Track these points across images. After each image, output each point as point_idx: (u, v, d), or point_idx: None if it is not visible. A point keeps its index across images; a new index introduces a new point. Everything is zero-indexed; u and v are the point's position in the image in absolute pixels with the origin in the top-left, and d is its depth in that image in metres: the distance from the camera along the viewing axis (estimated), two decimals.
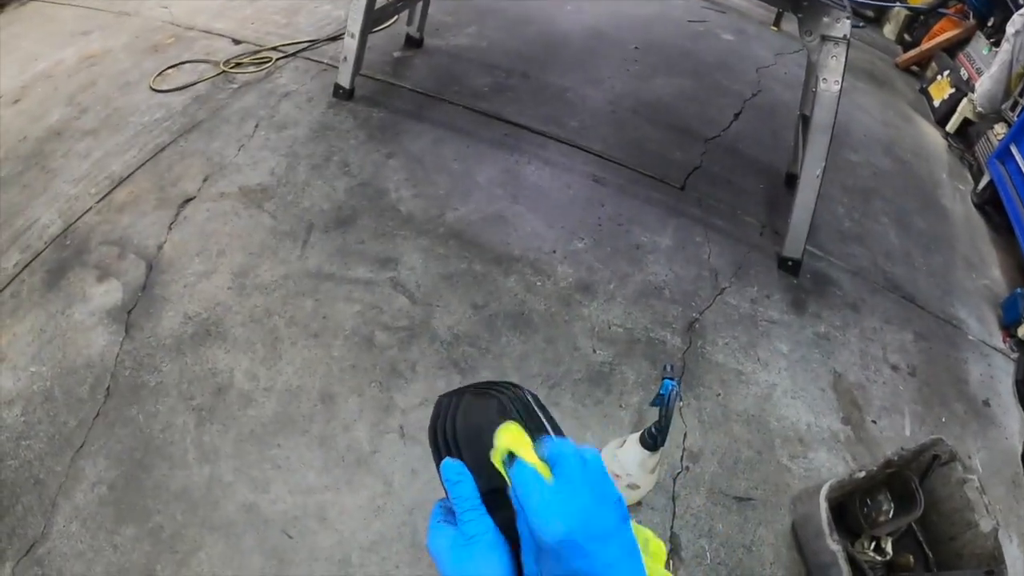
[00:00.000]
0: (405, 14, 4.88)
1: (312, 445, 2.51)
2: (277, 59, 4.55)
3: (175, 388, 2.60)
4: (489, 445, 0.74)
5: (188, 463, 2.40)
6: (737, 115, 5.07)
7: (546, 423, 0.78)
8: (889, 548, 2.52)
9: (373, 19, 4.15)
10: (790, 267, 3.74)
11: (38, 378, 2.62)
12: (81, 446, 2.41)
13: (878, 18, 8.20)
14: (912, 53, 7.16)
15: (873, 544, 2.53)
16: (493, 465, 0.73)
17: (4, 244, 3.13)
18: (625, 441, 2.45)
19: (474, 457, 0.76)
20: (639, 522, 2.47)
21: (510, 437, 0.73)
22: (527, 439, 0.73)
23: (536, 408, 0.80)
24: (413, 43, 4.95)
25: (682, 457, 2.75)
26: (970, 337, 3.75)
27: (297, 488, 2.39)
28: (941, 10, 6.93)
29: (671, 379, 2.26)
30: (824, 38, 3.28)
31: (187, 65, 4.41)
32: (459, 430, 0.80)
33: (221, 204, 3.39)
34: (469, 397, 0.82)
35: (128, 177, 3.50)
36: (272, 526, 2.29)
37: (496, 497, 0.72)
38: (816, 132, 3.45)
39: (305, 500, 2.37)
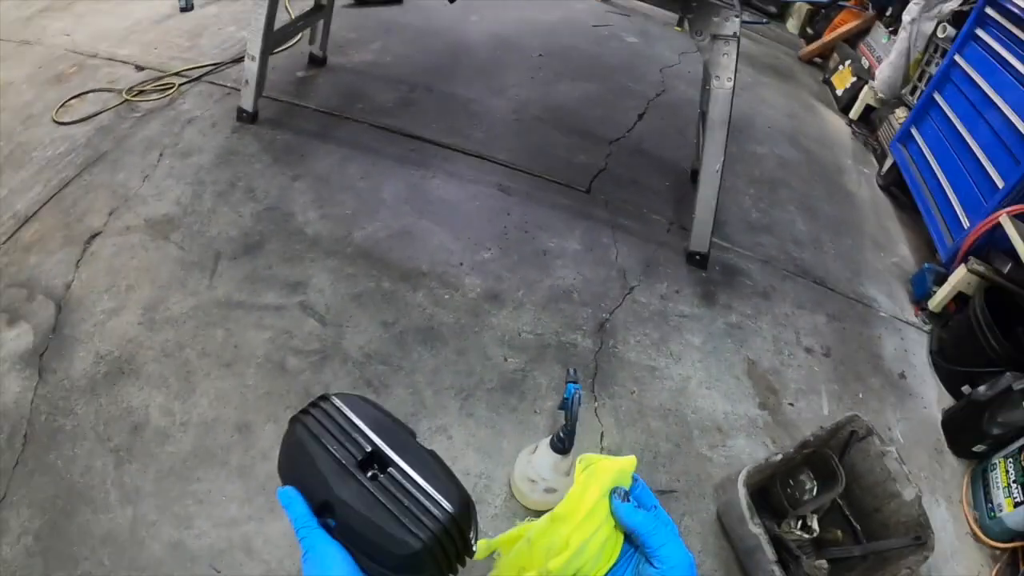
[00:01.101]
0: (307, 33, 4.88)
1: (232, 476, 2.54)
2: (180, 84, 4.54)
3: (92, 430, 2.60)
4: (309, 461, 0.84)
5: (111, 505, 2.41)
6: (641, 115, 5.21)
7: (358, 430, 0.86)
8: (815, 525, 2.59)
9: (274, 40, 4.16)
10: (698, 261, 3.87)
11: None
12: (3, 498, 2.40)
13: (781, 13, 8.43)
14: (814, 45, 7.41)
15: (800, 523, 2.60)
16: (320, 477, 0.82)
17: None
18: (537, 447, 2.55)
19: (303, 475, 0.85)
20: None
21: (608, 477, 0.95)
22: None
23: (342, 421, 0.87)
24: (316, 62, 4.97)
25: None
26: (882, 314, 3.93)
27: (221, 521, 2.42)
28: (841, 3, 7.20)
29: (574, 383, 2.37)
30: (715, 37, 3.37)
31: (91, 95, 4.36)
32: (285, 455, 0.90)
33: (128, 238, 3.39)
34: (289, 426, 0.90)
35: (33, 215, 3.47)
36: (199, 562, 2.32)
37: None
38: (713, 128, 3.56)
39: (230, 532, 2.39)
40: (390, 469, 0.81)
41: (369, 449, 0.82)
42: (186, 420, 2.68)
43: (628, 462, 1.01)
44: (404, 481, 0.80)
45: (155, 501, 2.45)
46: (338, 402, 0.86)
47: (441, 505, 0.80)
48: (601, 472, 0.98)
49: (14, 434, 2.58)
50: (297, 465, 0.86)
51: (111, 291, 3.13)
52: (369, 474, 0.82)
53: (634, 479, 1.01)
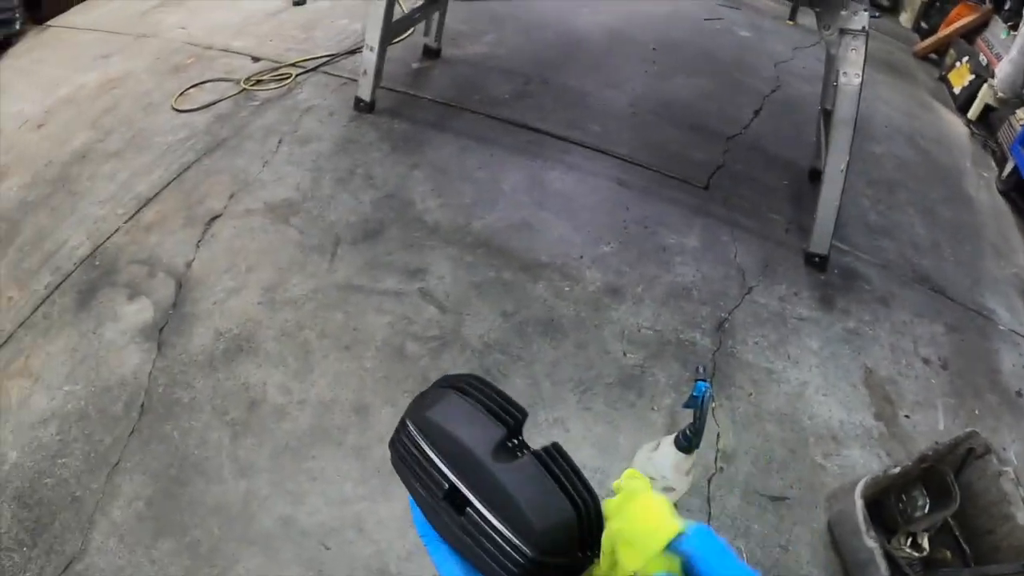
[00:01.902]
0: (422, 25, 4.89)
1: (347, 456, 2.52)
2: (297, 75, 4.58)
3: (209, 404, 2.61)
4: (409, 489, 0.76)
5: (224, 478, 2.41)
6: (757, 112, 5.07)
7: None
8: (926, 544, 2.50)
9: (391, 31, 4.16)
10: (817, 263, 3.73)
11: (72, 397, 2.63)
12: (117, 463, 2.42)
13: (894, 7, 8.21)
14: (929, 41, 7.15)
15: (909, 540, 2.51)
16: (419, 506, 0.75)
17: (35, 266, 3.15)
18: (659, 444, 2.43)
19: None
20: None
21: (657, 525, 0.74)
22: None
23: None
24: (431, 53, 4.97)
25: (716, 458, 2.74)
26: (1001, 327, 3.73)
27: (333, 500, 2.40)
28: None
29: (704, 380, 2.24)
30: (843, 31, 3.28)
31: (208, 84, 4.43)
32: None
33: (248, 220, 3.41)
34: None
35: (155, 197, 3.52)
36: (309, 538, 2.29)
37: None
38: (839, 126, 3.45)
39: (342, 511, 2.37)
40: (468, 510, 0.72)
41: (447, 486, 0.73)
42: (303, 399, 2.67)
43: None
44: (483, 523, 0.71)
45: (269, 476, 2.44)
46: (412, 430, 0.76)
47: (520, 551, 0.70)
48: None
49: (131, 404, 2.61)
50: (407, 487, 0.78)
51: (231, 271, 3.15)
52: (458, 510, 0.73)
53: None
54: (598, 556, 0.75)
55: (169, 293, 3.03)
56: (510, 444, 0.76)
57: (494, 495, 0.71)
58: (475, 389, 0.79)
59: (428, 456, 0.74)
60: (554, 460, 0.75)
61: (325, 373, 2.76)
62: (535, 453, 0.75)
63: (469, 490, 0.72)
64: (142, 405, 2.59)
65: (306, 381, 2.72)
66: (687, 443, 2.29)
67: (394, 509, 2.39)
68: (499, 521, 0.70)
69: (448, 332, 3.00)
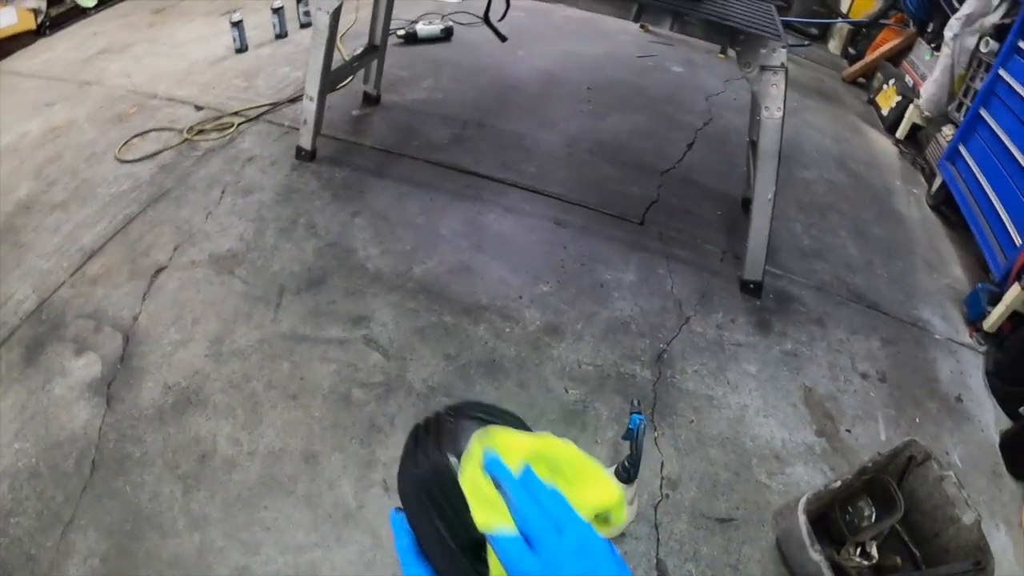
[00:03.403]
0: (361, 72, 4.98)
1: (299, 504, 2.57)
2: (239, 124, 4.65)
3: (160, 457, 2.65)
4: (421, 523, 0.74)
5: (178, 531, 2.44)
6: (690, 145, 5.21)
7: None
8: (875, 552, 2.58)
9: (330, 80, 4.25)
10: (752, 290, 3.86)
11: (23, 455, 2.65)
12: (70, 520, 2.45)
13: (822, 35, 8.38)
14: (857, 66, 7.34)
15: (859, 549, 2.58)
16: (431, 547, 0.73)
17: None
18: None
19: (416, 527, 0.75)
20: (625, 553, 2.54)
21: (481, 505, 0.69)
22: (496, 500, 0.69)
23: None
24: (371, 100, 5.06)
25: (661, 485, 2.82)
26: (936, 336, 3.86)
27: (287, 548, 2.44)
28: (882, 21, 7.12)
29: (638, 413, 2.37)
30: (763, 68, 3.39)
31: (151, 134, 4.48)
32: (400, 485, 0.78)
33: (193, 272, 3.46)
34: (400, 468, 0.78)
35: (100, 249, 3.56)
36: None
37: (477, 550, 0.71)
38: (764, 158, 3.57)
39: (296, 559, 2.42)
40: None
41: (479, 537, 0.69)
42: (253, 450, 2.72)
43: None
44: None
45: (222, 527, 2.48)
46: (455, 468, 0.72)
47: None
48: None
49: (82, 460, 2.64)
50: (411, 516, 0.76)
51: (178, 324, 3.19)
52: (479, 559, 0.71)
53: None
54: None
55: (116, 347, 3.07)
56: None
57: None
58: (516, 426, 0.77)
59: (467, 502, 0.69)
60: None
61: (273, 423, 2.81)
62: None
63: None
64: (93, 461, 2.62)
65: (255, 432, 2.77)
66: (627, 474, 2.42)
67: (348, 554, 2.45)
68: None
69: (393, 378, 3.07)
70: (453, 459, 0.72)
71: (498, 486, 0.69)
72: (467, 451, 0.72)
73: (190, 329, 3.17)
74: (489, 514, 0.68)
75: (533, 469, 0.73)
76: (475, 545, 0.70)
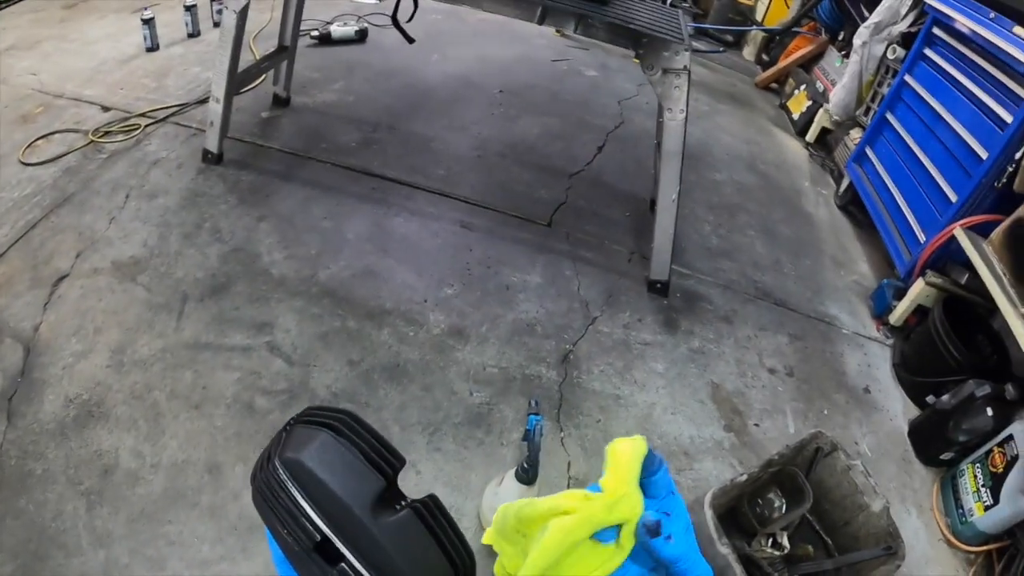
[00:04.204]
0: (271, 73, 4.97)
1: (203, 517, 2.57)
2: (146, 125, 4.60)
3: (62, 474, 2.63)
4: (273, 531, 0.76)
5: (83, 549, 2.43)
6: (600, 148, 5.34)
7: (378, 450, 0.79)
8: (786, 542, 2.65)
9: (238, 81, 4.24)
10: (659, 289, 3.98)
11: None
12: None
13: (737, 42, 8.61)
14: (770, 72, 7.60)
15: (770, 540, 2.66)
16: (284, 550, 0.76)
17: None
18: (504, 479, 2.62)
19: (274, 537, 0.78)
20: None
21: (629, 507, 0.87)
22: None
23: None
24: (280, 102, 5.06)
25: (568, 485, 2.89)
26: (844, 331, 4.04)
27: (193, 562, 2.45)
28: (795, 29, 7.39)
29: (536, 414, 2.45)
30: (666, 71, 3.46)
31: (56, 135, 4.40)
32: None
33: (95, 280, 3.43)
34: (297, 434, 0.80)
35: (0, 257, 3.51)
36: None
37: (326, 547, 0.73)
38: (668, 159, 3.67)
39: (203, 573, 2.42)
40: (342, 564, 0.72)
41: (319, 538, 0.73)
42: (156, 462, 2.72)
43: (638, 448, 0.97)
44: None
45: (127, 544, 2.47)
46: (283, 475, 0.75)
47: None
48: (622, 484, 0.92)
49: None
50: (267, 526, 0.80)
51: (79, 334, 3.16)
52: (328, 560, 0.74)
53: (656, 463, 0.99)
54: None
55: (17, 359, 3.02)
56: (388, 495, 0.76)
57: (372, 552, 0.72)
58: (351, 431, 0.78)
59: (299, 505, 0.73)
60: (434, 517, 0.77)
61: (176, 434, 2.82)
62: (414, 508, 0.75)
63: (345, 545, 0.72)
64: None
65: (158, 444, 2.77)
66: (526, 475, 2.51)
67: (254, 567, 2.46)
68: None
69: (296, 384, 3.10)
70: (281, 466, 0.75)
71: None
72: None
73: (92, 339, 3.14)
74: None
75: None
76: (319, 544, 0.73)
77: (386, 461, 0.79)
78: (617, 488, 0.88)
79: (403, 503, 0.77)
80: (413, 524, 0.75)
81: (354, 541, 0.72)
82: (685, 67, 3.45)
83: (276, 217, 4.00)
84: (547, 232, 4.33)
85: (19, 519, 2.49)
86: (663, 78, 3.49)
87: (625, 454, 0.92)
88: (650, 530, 0.85)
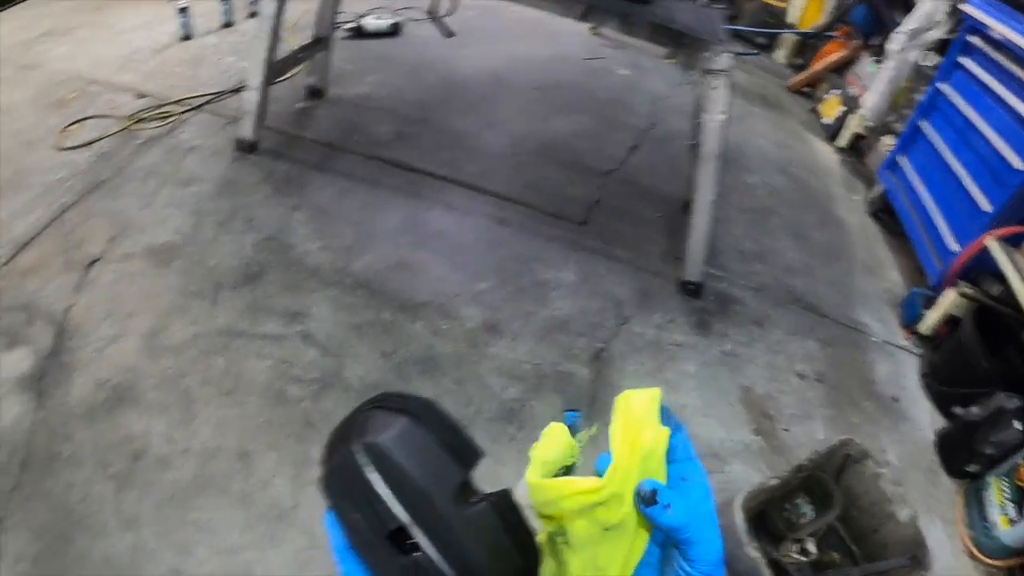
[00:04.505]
0: (307, 65, 4.95)
1: (233, 504, 2.55)
2: (181, 113, 4.58)
3: (91, 456, 2.60)
4: (343, 517, 0.72)
5: (110, 532, 2.41)
6: (634, 148, 5.29)
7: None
8: (813, 548, 2.61)
9: (274, 71, 4.21)
10: (692, 290, 3.92)
11: None
12: (0, 521, 2.40)
13: (770, 45, 8.53)
14: (803, 75, 7.52)
15: (797, 546, 2.62)
16: (354, 540, 0.72)
17: None
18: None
19: (343, 520, 0.73)
20: None
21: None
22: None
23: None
24: (315, 93, 5.03)
25: None
26: (873, 339, 3.98)
27: (221, 548, 2.42)
28: (828, 33, 7.30)
29: (573, 411, 2.39)
30: (706, 72, 3.43)
31: (91, 121, 4.39)
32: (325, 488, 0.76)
33: (128, 265, 3.41)
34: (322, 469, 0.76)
35: (33, 240, 3.48)
36: None
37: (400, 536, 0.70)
38: (706, 161, 3.64)
39: (230, 560, 2.40)
40: (415, 554, 0.69)
41: (395, 526, 0.68)
42: (187, 448, 2.69)
43: (653, 399, 0.85)
44: (430, 571, 0.68)
45: (155, 528, 2.44)
46: (361, 460, 0.70)
47: None
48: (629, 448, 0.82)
49: (11, 458, 2.58)
50: (335, 511, 0.74)
51: (111, 318, 3.14)
52: (402, 550, 0.69)
53: (673, 423, 0.83)
54: None
55: (48, 341, 3.01)
56: (466, 487, 0.73)
57: (448, 543, 0.69)
58: (431, 419, 0.75)
59: (375, 491, 0.69)
60: (510, 511, 0.74)
61: (208, 421, 2.79)
62: (491, 501, 0.73)
63: (424, 535, 0.69)
64: (22, 460, 2.57)
65: (189, 430, 2.75)
66: (563, 472, 2.44)
67: (283, 555, 2.44)
68: (451, 571, 0.68)
69: (329, 374, 3.06)
70: (360, 449, 0.71)
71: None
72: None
73: (123, 323, 3.12)
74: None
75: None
76: (392, 533, 0.69)
77: (465, 452, 0.76)
78: (617, 469, 0.79)
79: (478, 496, 0.74)
80: (490, 517, 0.72)
81: (431, 530, 0.69)
82: (726, 68, 3.41)
83: (310, 207, 3.97)
84: (581, 230, 4.28)
85: (45, 500, 2.48)
86: (704, 79, 3.47)
87: (637, 410, 0.82)
88: (644, 499, 0.76)
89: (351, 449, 0.71)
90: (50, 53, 5.15)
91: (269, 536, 2.48)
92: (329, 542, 0.74)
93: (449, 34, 4.15)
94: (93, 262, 3.41)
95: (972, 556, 2.98)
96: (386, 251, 3.78)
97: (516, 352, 3.37)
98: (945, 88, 4.59)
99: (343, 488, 0.72)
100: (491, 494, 0.74)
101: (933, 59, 5.11)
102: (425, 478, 0.70)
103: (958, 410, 3.39)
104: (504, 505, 0.74)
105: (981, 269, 3.77)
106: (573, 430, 2.25)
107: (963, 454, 3.24)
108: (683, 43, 3.45)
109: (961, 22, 4.68)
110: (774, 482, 2.56)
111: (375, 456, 0.70)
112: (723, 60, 3.38)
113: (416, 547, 0.68)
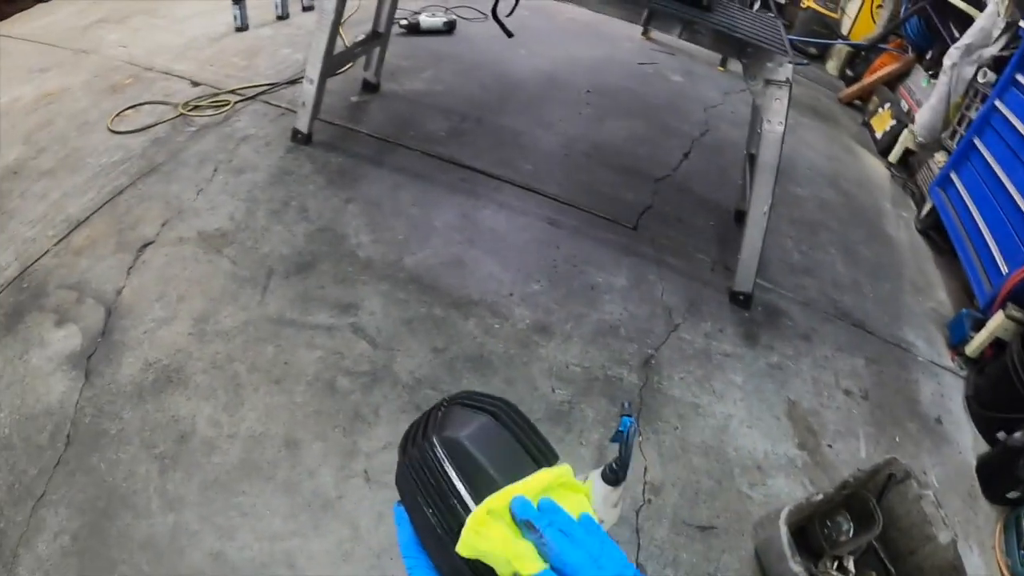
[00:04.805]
0: (362, 59, 4.95)
1: (277, 491, 2.52)
2: (236, 102, 4.58)
3: (137, 436, 2.58)
4: (415, 512, 0.74)
5: (152, 512, 2.38)
6: (686, 155, 5.22)
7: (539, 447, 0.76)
8: (852, 567, 2.58)
9: (332, 64, 4.20)
10: (741, 301, 3.86)
11: None
12: (42, 495, 2.38)
13: (821, 55, 8.47)
14: (854, 88, 7.42)
15: (836, 564, 2.59)
16: (423, 535, 0.73)
17: None
18: (587, 477, 2.50)
19: (412, 517, 0.75)
20: None
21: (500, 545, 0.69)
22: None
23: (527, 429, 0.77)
24: (370, 88, 5.02)
25: (644, 490, 2.80)
26: (919, 359, 3.88)
27: (264, 535, 2.39)
28: (881, 45, 7.20)
29: (629, 416, 2.33)
30: (768, 82, 3.39)
31: (146, 106, 4.41)
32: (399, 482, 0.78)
33: (180, 249, 3.40)
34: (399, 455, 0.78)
35: (86, 220, 3.49)
36: (240, 574, 2.29)
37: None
38: (762, 171, 3.57)
39: (272, 547, 2.36)
40: None
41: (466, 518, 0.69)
42: (233, 433, 2.66)
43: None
44: None
45: (198, 510, 2.42)
46: (440, 452, 0.73)
47: None
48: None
49: (57, 433, 2.57)
50: (406, 505, 0.76)
51: (162, 300, 3.13)
52: None
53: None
54: None
55: (98, 320, 3.00)
56: None
57: None
58: (512, 420, 0.77)
59: (453, 484, 0.71)
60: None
61: (255, 407, 2.76)
62: None
63: None
64: (68, 435, 2.55)
65: (236, 415, 2.72)
66: (614, 476, 2.38)
67: (325, 545, 2.40)
68: None
69: (379, 367, 3.02)
70: (439, 444, 0.73)
71: (527, 527, 0.69)
72: (483, 508, 0.69)
73: (174, 306, 3.11)
74: (526, 564, 0.67)
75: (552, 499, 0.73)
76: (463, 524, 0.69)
77: (542, 452, 0.77)
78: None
79: None
80: None
81: None
82: (787, 79, 3.37)
83: (364, 200, 3.95)
84: (632, 235, 4.22)
85: (89, 476, 2.46)
86: (765, 88, 3.43)
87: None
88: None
89: (431, 442, 0.73)
90: (105, 39, 5.21)
91: (312, 525, 2.45)
92: (396, 536, 0.77)
93: (509, 34, 4.11)
94: (146, 245, 3.40)
95: None
96: (439, 247, 3.74)
97: (566, 354, 3.32)
98: (1001, 106, 4.48)
99: (418, 481, 0.73)
100: None
101: (989, 76, 4.98)
102: (502, 474, 0.71)
103: (1001, 435, 3.33)
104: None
105: None
106: (629, 435, 2.18)
107: (1004, 480, 3.17)
108: (747, 52, 3.39)
109: (1019, 39, 4.58)
110: (819, 497, 2.55)
111: (452, 450, 0.72)
112: (785, 70, 3.35)
113: None
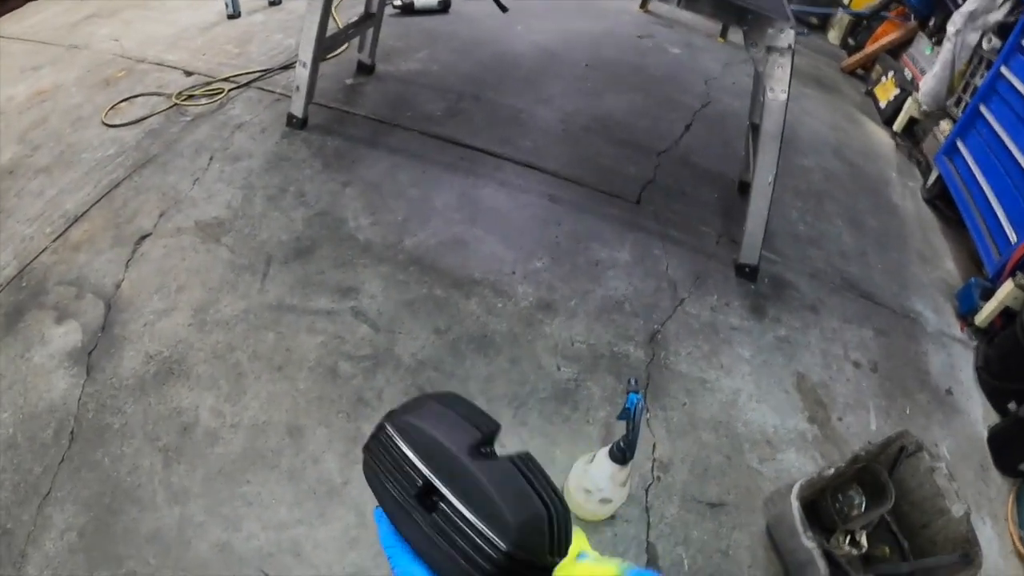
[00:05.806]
0: (356, 41, 4.90)
1: (282, 479, 2.50)
2: (229, 90, 4.54)
3: (140, 429, 2.57)
4: (380, 497, 0.80)
5: (157, 505, 2.38)
6: (688, 127, 5.16)
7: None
8: (864, 541, 2.56)
9: (324, 47, 4.15)
10: (747, 274, 3.81)
11: (0, 425, 2.58)
12: (48, 493, 2.38)
13: (822, 24, 8.37)
14: (856, 57, 7.32)
15: (848, 538, 2.57)
16: (389, 513, 0.79)
17: None
18: (595, 456, 2.48)
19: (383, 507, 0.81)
20: (615, 535, 2.50)
21: None
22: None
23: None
24: (365, 69, 4.97)
25: (652, 468, 2.78)
26: (928, 329, 3.84)
27: (270, 524, 2.38)
28: (883, 13, 7.09)
29: (635, 392, 2.30)
30: (769, 49, 3.33)
31: (139, 99, 4.38)
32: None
33: (178, 239, 3.38)
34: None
35: (83, 215, 3.47)
36: (247, 564, 2.28)
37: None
38: (766, 140, 3.52)
39: (278, 536, 2.36)
40: (441, 505, 0.75)
41: (421, 483, 0.76)
42: (236, 422, 2.65)
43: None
44: (456, 518, 0.74)
45: (203, 502, 2.42)
46: (391, 431, 0.81)
47: (493, 545, 0.72)
48: None
49: (61, 430, 2.56)
50: (377, 493, 0.82)
51: (161, 292, 3.11)
52: (428, 509, 0.76)
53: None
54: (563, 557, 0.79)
55: (98, 315, 2.99)
56: (484, 450, 0.79)
57: (469, 490, 0.75)
58: (452, 400, 0.85)
59: (404, 453, 0.77)
60: (527, 464, 0.79)
61: (258, 395, 2.74)
62: (508, 458, 0.79)
63: (444, 484, 0.75)
64: (72, 432, 2.55)
65: (239, 404, 2.70)
66: (621, 454, 2.36)
67: (331, 531, 2.39)
68: (473, 515, 0.73)
69: (381, 351, 3.00)
70: (391, 427, 0.81)
71: None
72: None
73: (174, 297, 3.09)
74: None
75: None
76: (421, 494, 0.76)
77: (483, 421, 0.83)
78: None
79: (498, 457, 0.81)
80: (509, 469, 0.78)
81: (453, 481, 0.76)
82: (790, 46, 3.32)
83: (362, 183, 3.91)
84: (635, 209, 4.17)
85: (94, 472, 2.45)
86: (766, 56, 3.37)
87: None
88: None
89: (383, 426, 0.82)
90: (97, 34, 5.18)
91: (318, 512, 2.44)
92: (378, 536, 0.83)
93: (504, 9, 4.07)
94: (143, 237, 3.38)
95: (1021, 556, 2.87)
96: (439, 227, 3.70)
97: (571, 332, 3.28)
98: (1006, 72, 4.40)
99: (378, 463, 0.80)
100: (512, 453, 0.80)
101: (994, 42, 4.89)
102: (445, 436, 0.78)
103: (1012, 406, 3.33)
104: (524, 460, 0.80)
105: None
106: (636, 412, 2.16)
107: (1016, 451, 3.15)
108: (747, 19, 3.33)
109: (1022, 4, 4.50)
110: (830, 471, 2.52)
111: (402, 429, 0.80)
112: (787, 37, 3.29)
113: (443, 499, 0.75)
